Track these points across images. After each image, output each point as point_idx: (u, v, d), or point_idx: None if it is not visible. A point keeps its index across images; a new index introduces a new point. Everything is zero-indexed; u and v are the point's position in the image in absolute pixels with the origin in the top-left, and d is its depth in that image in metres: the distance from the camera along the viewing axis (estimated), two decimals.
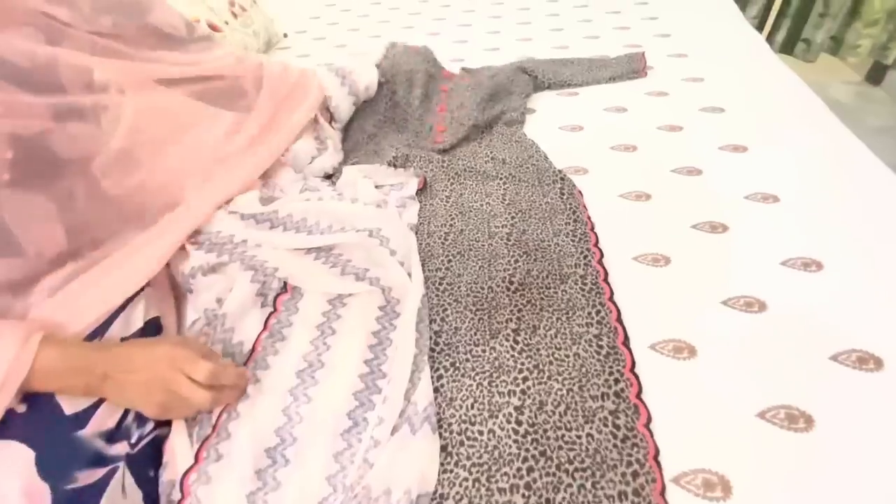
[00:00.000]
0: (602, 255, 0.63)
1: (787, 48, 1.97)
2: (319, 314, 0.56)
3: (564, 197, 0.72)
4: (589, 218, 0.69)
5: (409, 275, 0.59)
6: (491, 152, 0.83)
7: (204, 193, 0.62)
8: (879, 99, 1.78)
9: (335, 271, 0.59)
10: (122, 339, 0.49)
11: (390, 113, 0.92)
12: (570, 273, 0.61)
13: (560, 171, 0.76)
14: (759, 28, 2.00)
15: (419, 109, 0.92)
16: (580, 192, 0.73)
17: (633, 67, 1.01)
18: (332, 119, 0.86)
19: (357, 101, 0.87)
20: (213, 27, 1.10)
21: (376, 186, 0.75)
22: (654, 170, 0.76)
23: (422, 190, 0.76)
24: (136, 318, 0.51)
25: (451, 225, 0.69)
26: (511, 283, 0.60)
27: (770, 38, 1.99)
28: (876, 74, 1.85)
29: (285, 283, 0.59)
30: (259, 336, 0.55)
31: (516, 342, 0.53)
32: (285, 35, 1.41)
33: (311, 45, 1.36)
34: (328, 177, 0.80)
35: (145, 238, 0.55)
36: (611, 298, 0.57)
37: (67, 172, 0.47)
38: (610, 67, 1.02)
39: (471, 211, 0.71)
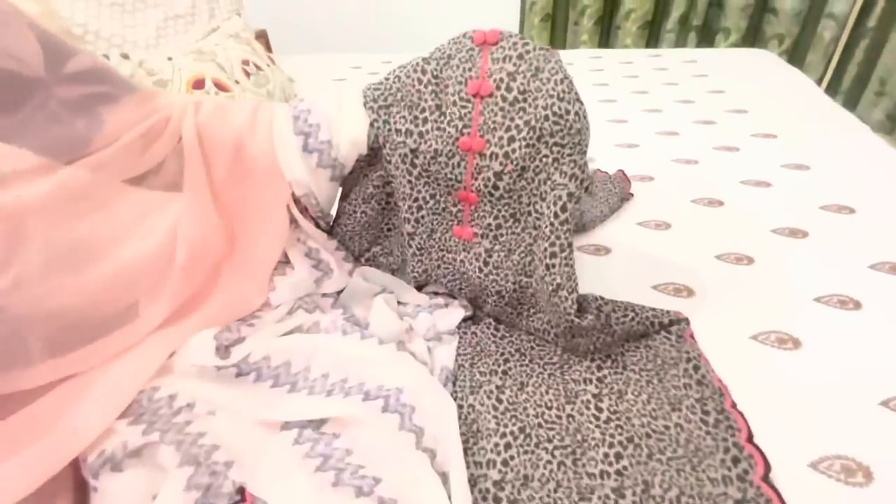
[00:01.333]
0: (767, 468, 0.39)
1: None
2: None
3: (672, 338, 0.50)
4: (721, 383, 0.46)
5: (444, 474, 0.35)
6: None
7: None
8: None
9: (324, 478, 0.35)
10: None
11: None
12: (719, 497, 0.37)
13: (662, 315, 0.54)
14: None
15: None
16: (691, 333, 0.51)
17: (621, 196, 0.77)
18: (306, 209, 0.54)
19: (341, 173, 0.54)
20: (220, 86, 0.96)
21: (399, 303, 0.54)
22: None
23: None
24: None
25: (504, 372, 0.46)
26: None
27: None
28: None
29: (243, 489, 0.36)
30: None
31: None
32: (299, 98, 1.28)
33: None
34: None
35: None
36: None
37: None
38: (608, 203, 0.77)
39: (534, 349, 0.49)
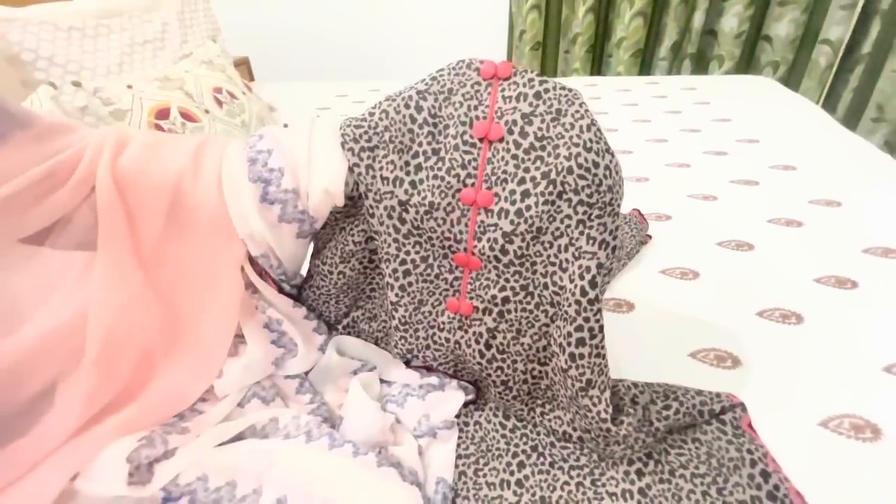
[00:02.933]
0: None
1: None
2: None
3: (728, 430, 0.39)
4: (787, 481, 0.36)
5: None
6: None
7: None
8: None
9: None
10: None
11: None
12: None
13: (702, 399, 0.44)
14: None
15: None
16: (745, 413, 0.41)
17: (640, 239, 0.70)
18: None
19: (311, 227, 0.44)
20: (188, 117, 0.87)
21: (383, 380, 0.43)
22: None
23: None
24: None
25: (519, 482, 0.36)
26: None
27: None
28: None
29: None
30: None
31: None
32: (286, 125, 1.20)
33: None
34: None
35: None
36: None
37: None
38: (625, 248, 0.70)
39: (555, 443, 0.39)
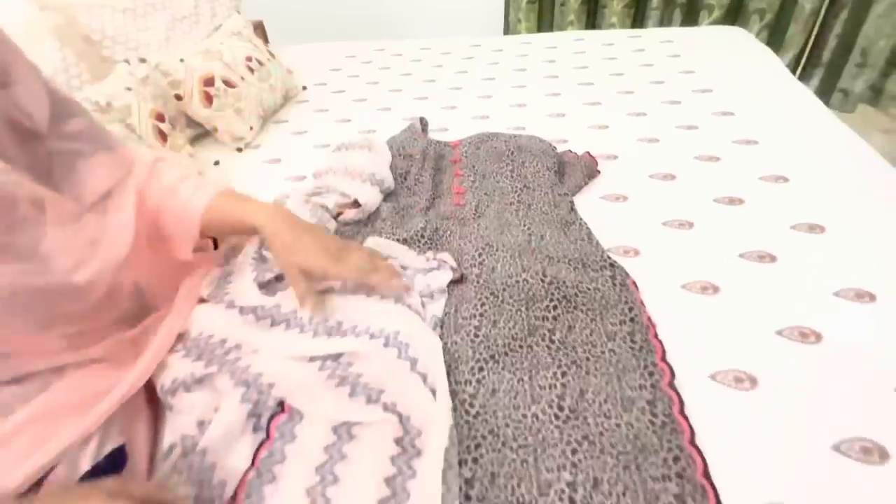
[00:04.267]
0: (673, 375, 0.51)
1: (823, 98, 1.89)
2: (321, 450, 0.45)
3: (616, 288, 0.61)
4: (649, 319, 0.58)
5: (433, 391, 0.47)
6: (528, 227, 0.73)
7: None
8: None
9: (342, 392, 0.48)
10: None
11: (403, 201, 0.81)
12: (635, 398, 0.50)
13: (609, 258, 0.66)
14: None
15: (431, 183, 0.84)
16: (634, 282, 0.62)
17: (589, 173, 0.86)
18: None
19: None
20: (228, 83, 1.06)
21: (402, 267, 0.65)
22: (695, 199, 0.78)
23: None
24: (85, 458, 0.41)
25: (482, 315, 0.58)
26: (561, 409, 0.48)
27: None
28: None
29: (282, 402, 0.48)
30: (245, 476, 0.44)
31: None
32: (304, 88, 1.37)
33: (330, 98, 1.31)
34: None
35: (120, 343, 0.45)
36: (691, 435, 0.45)
37: None
38: (571, 177, 0.85)
39: (505, 291, 0.61)
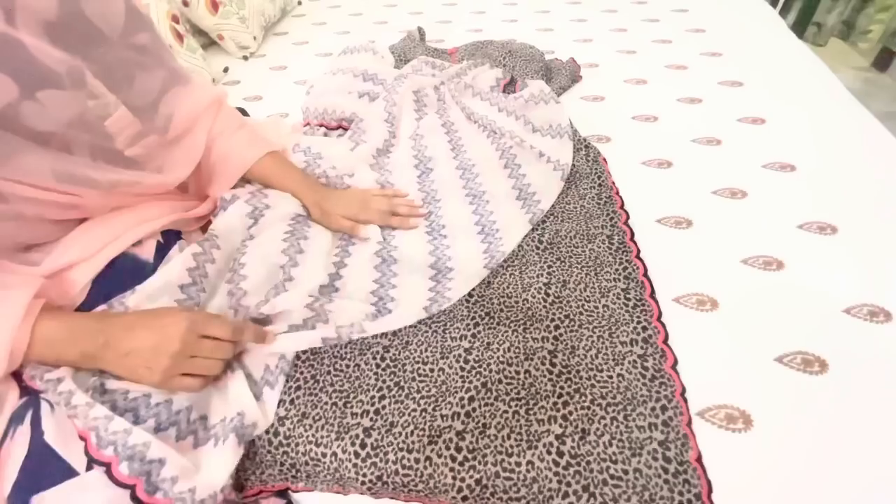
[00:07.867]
0: (628, 217, 0.65)
1: (797, 31, 1.97)
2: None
3: (590, 162, 0.74)
4: (613, 183, 0.71)
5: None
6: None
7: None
8: (886, 85, 1.80)
9: None
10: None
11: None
12: (598, 234, 0.63)
13: (584, 139, 0.78)
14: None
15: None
16: (604, 158, 0.75)
17: (572, 77, 0.94)
18: None
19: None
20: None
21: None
22: (675, 139, 0.79)
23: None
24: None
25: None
26: (541, 242, 0.62)
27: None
28: (883, 61, 1.86)
29: None
30: None
31: (548, 294, 0.56)
32: (300, 2, 1.39)
33: (326, 13, 1.34)
34: None
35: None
36: (637, 255, 0.60)
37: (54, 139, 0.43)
38: (557, 79, 0.93)
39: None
